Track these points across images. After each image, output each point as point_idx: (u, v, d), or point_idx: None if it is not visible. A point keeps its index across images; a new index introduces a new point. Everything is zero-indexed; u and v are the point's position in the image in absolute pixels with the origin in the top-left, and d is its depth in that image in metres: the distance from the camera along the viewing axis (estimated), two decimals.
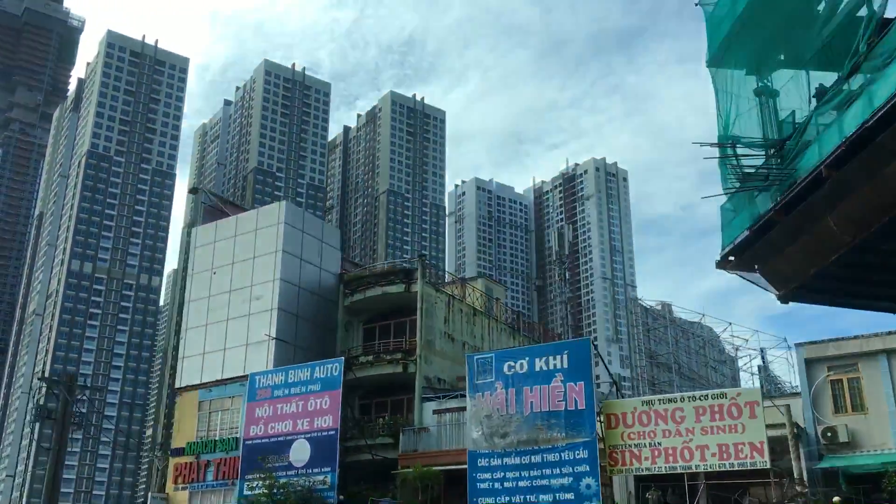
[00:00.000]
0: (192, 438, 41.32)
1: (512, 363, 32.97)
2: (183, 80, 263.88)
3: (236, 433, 39.72)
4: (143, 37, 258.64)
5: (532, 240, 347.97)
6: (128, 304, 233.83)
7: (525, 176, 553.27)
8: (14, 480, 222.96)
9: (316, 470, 35.18)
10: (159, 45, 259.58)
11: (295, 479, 35.23)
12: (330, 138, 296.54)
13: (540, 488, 30.89)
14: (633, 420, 31.21)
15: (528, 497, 31.01)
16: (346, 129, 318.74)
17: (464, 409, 37.67)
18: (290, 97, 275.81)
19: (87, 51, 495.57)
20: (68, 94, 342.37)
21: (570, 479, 30.35)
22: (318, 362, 38.03)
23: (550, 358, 32.02)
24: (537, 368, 32.31)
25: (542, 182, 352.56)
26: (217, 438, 40.20)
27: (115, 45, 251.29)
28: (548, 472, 30.88)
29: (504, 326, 48.76)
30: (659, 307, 70.89)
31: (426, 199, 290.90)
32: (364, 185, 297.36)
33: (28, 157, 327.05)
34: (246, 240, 43.63)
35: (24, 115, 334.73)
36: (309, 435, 36.10)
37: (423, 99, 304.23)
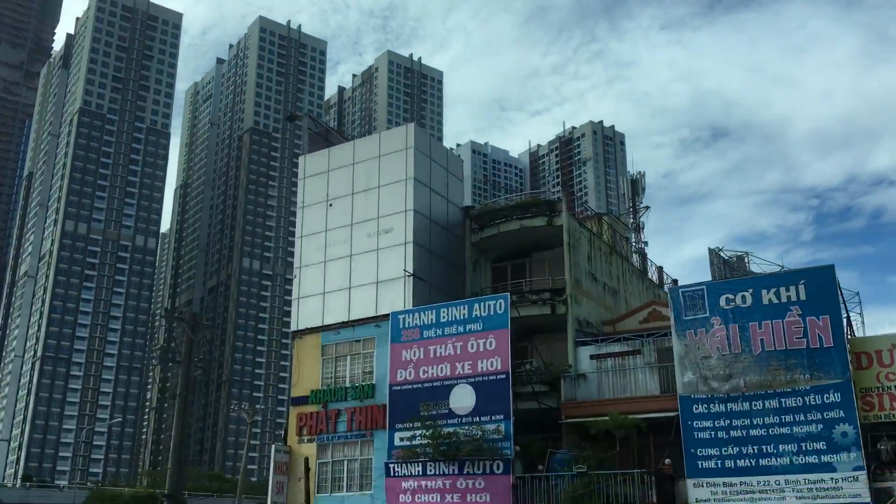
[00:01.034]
0: (316, 386, 37.06)
1: (730, 296, 28.97)
2: (176, 37, 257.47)
3: (371, 379, 35.54)
4: None
5: None
6: (124, 266, 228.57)
7: (506, 142, 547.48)
8: (10, 444, 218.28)
9: (484, 418, 30.98)
10: (151, 0, 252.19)
11: (460, 427, 30.97)
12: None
13: (779, 437, 26.98)
14: (890, 359, 27.31)
15: (763, 447, 27.02)
16: (341, 90, 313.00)
17: (629, 353, 33.76)
18: (285, 55, 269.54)
19: (73, 7, 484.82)
20: (53, 51, 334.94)
21: (820, 426, 26.48)
22: (477, 299, 33.86)
23: (782, 289, 28.09)
24: (765, 301, 28.34)
25: (538, 146, 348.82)
26: (348, 385, 35.99)
27: (107, 0, 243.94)
28: (788, 418, 26.99)
29: (635, 269, 44.65)
30: (734, 259, 66.89)
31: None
32: None
33: (13, 117, 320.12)
34: (368, 167, 39.18)
35: (8, 73, 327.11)
36: (472, 379, 31.96)
37: (419, 59, 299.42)
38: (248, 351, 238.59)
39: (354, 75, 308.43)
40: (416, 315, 34.30)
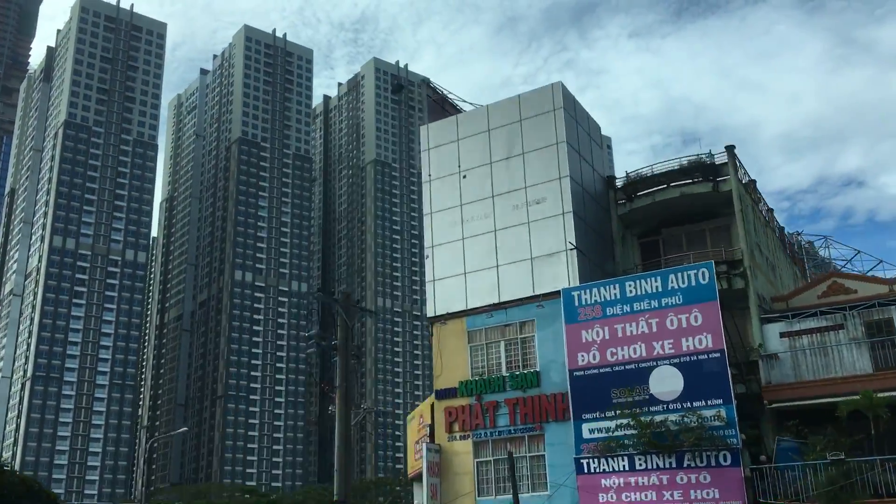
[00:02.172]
0: (464, 376, 33.13)
1: None
2: (161, 47, 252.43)
3: (533, 366, 31.69)
4: (118, 1, 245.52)
5: None
6: (114, 281, 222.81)
7: None
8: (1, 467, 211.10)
9: (698, 403, 27.13)
10: (135, 10, 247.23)
11: (667, 414, 27.11)
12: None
13: None
14: None
15: None
16: (327, 99, 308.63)
17: (829, 329, 30.16)
18: (272, 64, 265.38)
19: (49, 21, 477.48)
20: (29, 66, 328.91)
21: None
22: (673, 269, 30.10)
23: None
24: None
25: None
26: (506, 374, 32.07)
27: (90, 10, 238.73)
28: None
29: (779, 243, 41.02)
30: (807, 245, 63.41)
31: (414, 168, 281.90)
32: (348, 156, 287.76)
33: None
34: (507, 133, 35.36)
35: None
36: (677, 360, 28.23)
37: (406, 66, 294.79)
38: (243, 365, 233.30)
39: (340, 84, 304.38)
40: (596, 291, 30.50)
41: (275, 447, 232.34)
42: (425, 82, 39.11)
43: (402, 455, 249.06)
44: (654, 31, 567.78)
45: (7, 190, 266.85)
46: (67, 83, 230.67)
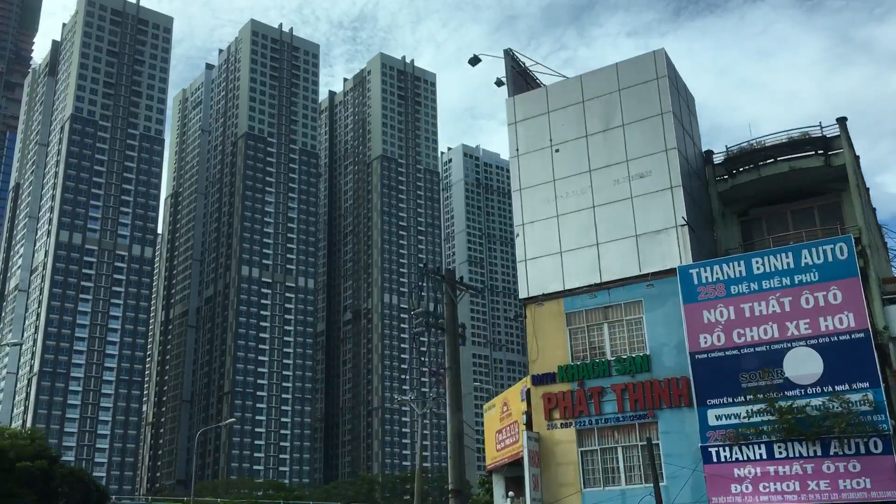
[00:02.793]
0: (563, 361, 31.31)
1: None
2: (167, 41, 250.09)
3: (642, 349, 29.83)
4: None
5: None
6: (121, 277, 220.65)
7: None
8: None
9: (840, 387, 25.37)
10: (141, 4, 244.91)
11: (806, 399, 25.28)
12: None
13: None
14: None
15: None
16: (332, 94, 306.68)
17: None
18: (278, 58, 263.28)
19: (51, 16, 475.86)
20: (32, 61, 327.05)
21: None
22: (806, 244, 28.32)
23: None
24: None
25: None
26: (611, 358, 30.21)
27: (96, 4, 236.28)
28: None
29: (875, 224, 39.13)
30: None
31: (420, 164, 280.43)
32: (354, 152, 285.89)
33: None
34: (605, 104, 33.51)
35: None
36: (815, 340, 26.42)
37: (412, 61, 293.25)
38: (250, 361, 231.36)
39: (346, 79, 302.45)
40: (717, 268, 28.71)
41: (282, 444, 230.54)
42: (507, 52, 37.08)
43: (408, 452, 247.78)
44: (653, 29, 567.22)
45: (11, 185, 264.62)
46: (74, 77, 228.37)
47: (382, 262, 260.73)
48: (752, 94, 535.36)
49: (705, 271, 28.84)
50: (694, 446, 27.85)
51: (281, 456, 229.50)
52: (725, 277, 28.39)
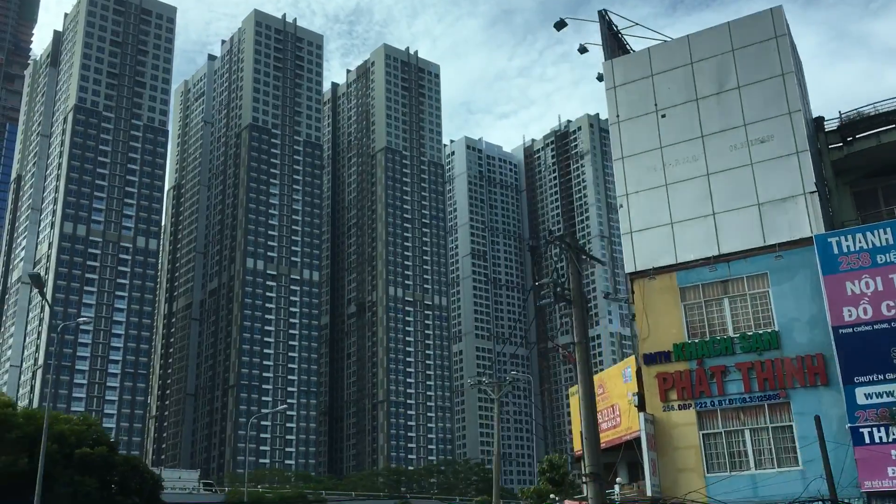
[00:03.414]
0: (679, 338, 29.64)
1: None
2: (171, 31, 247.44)
3: (769, 325, 28.12)
4: None
5: (523, 199, 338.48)
6: (125, 269, 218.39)
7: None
8: None
9: None
10: None
11: None
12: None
13: None
14: None
15: None
16: (335, 86, 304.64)
17: None
18: (282, 49, 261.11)
19: (50, 8, 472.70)
20: (31, 52, 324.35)
21: None
22: None
23: None
24: None
25: (533, 140, 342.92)
26: (734, 335, 28.47)
27: None
28: None
29: None
30: None
31: (424, 156, 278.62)
32: (358, 144, 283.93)
33: None
34: (716, 65, 31.82)
35: None
36: None
37: (416, 52, 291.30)
38: (255, 354, 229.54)
39: (349, 70, 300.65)
40: (860, 237, 27.08)
41: (287, 437, 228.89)
42: (602, 14, 35.31)
43: (413, 445, 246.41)
44: (650, 23, 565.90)
45: (13, 177, 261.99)
46: (77, 67, 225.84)
47: (387, 255, 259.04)
48: None
49: (847, 240, 27.22)
50: (834, 428, 26.17)
51: (287, 449, 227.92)
52: (870, 246, 26.76)
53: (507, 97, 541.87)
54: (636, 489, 29.38)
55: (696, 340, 29.42)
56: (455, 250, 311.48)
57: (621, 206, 32.31)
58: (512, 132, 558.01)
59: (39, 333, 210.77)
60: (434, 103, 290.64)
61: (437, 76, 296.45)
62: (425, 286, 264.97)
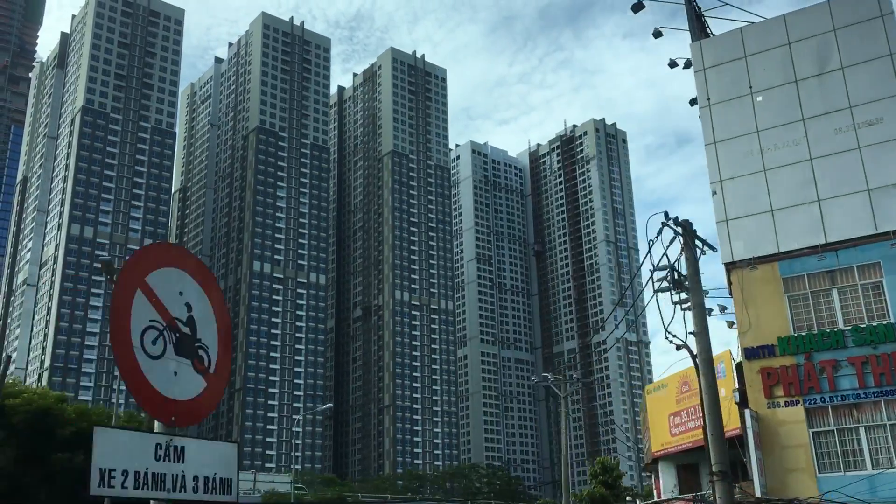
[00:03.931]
0: (784, 332, 28.54)
1: None
2: (179, 33, 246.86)
3: (885, 317, 27.09)
4: None
5: (528, 204, 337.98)
6: None
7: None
8: None
9: None
10: None
11: None
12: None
13: None
14: None
15: None
16: (341, 90, 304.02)
17: None
18: (289, 52, 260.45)
19: (55, 10, 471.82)
20: (36, 55, 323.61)
21: None
22: None
23: None
24: None
25: (538, 145, 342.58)
26: (845, 328, 27.39)
27: None
28: None
29: None
30: None
31: (430, 160, 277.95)
32: (364, 147, 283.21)
33: None
34: (816, 45, 30.80)
35: None
36: None
37: (423, 56, 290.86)
38: (262, 357, 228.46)
39: (355, 74, 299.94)
40: None
41: (294, 441, 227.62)
42: None
43: (420, 451, 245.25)
44: (649, 30, 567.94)
45: (18, 179, 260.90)
46: (84, 69, 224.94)
47: (394, 259, 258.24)
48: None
49: None
50: None
51: (294, 454, 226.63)
52: None
53: (506, 103, 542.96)
54: (739, 490, 28.28)
55: (803, 333, 28.37)
56: (460, 255, 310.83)
57: (714, 193, 31.20)
58: (511, 138, 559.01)
59: (45, 336, 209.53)
60: (441, 107, 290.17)
61: (444, 80, 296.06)
62: (431, 290, 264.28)
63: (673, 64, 34.12)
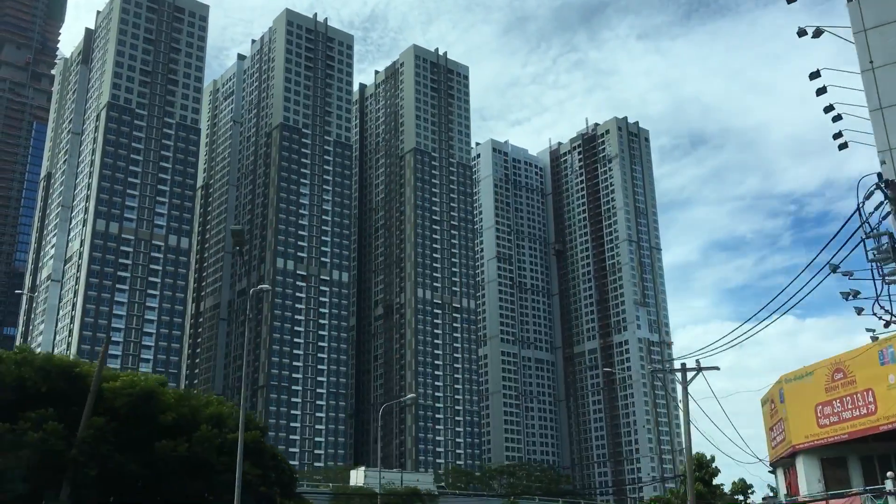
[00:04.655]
0: None
1: None
2: (203, 29, 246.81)
3: None
4: None
5: (549, 203, 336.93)
6: (157, 267, 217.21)
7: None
8: None
9: None
10: None
11: None
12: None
13: None
14: None
15: None
16: (363, 87, 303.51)
17: None
18: (313, 49, 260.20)
19: (77, 6, 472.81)
20: (58, 51, 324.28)
21: None
22: None
23: None
24: None
25: (559, 143, 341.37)
26: None
27: None
28: None
29: None
30: None
31: (453, 158, 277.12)
32: (386, 145, 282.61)
33: (20, 119, 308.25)
34: None
35: (13, 74, 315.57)
36: None
37: (445, 53, 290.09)
38: (285, 355, 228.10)
39: (377, 72, 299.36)
40: None
41: (316, 439, 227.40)
42: None
43: (441, 449, 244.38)
44: (664, 32, 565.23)
45: (42, 174, 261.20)
46: (110, 64, 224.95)
47: (416, 257, 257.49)
48: (763, 98, 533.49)
49: None
50: None
51: (316, 451, 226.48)
52: None
53: (520, 104, 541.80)
54: None
55: None
56: (481, 253, 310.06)
57: (883, 162, 29.69)
58: (525, 139, 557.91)
59: (70, 332, 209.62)
60: (463, 104, 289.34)
61: (466, 77, 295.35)
62: (454, 288, 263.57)
63: (802, 32, 32.47)
